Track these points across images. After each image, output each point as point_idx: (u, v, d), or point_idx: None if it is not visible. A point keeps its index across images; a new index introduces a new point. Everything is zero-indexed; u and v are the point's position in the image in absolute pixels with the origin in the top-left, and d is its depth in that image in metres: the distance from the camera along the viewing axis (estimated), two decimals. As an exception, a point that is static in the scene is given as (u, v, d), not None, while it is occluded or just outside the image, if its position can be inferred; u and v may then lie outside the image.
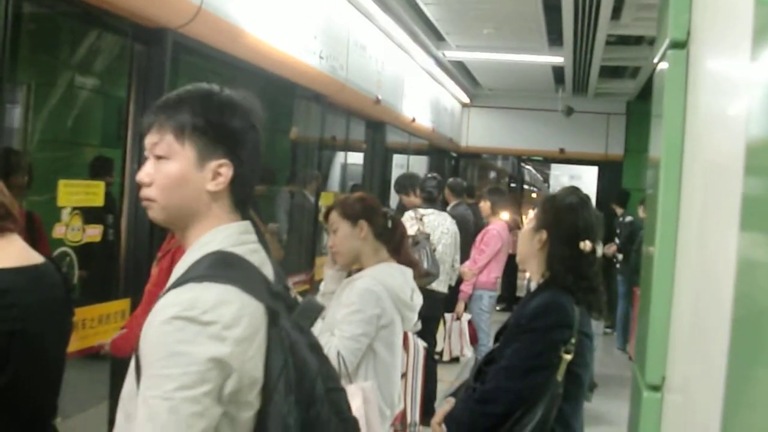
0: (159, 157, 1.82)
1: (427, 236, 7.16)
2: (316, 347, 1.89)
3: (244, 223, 1.88)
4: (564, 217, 3.16)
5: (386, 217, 3.79)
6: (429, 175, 8.71)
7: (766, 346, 1.01)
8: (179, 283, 1.72)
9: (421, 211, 7.47)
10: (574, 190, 3.31)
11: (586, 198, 3.31)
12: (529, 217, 3.32)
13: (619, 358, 11.03)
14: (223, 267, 1.76)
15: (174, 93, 1.89)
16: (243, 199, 1.89)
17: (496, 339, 3.27)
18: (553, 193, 3.44)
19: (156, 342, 1.65)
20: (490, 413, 3.02)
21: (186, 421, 1.59)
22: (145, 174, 1.83)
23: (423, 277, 7.03)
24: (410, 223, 7.09)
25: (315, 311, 1.89)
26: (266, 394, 1.72)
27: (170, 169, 1.81)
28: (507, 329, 3.18)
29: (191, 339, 1.62)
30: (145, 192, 1.84)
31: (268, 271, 1.87)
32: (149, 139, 1.84)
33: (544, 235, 3.16)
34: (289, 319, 1.82)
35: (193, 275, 1.73)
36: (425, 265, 7.03)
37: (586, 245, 3.10)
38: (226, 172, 1.83)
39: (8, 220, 2.42)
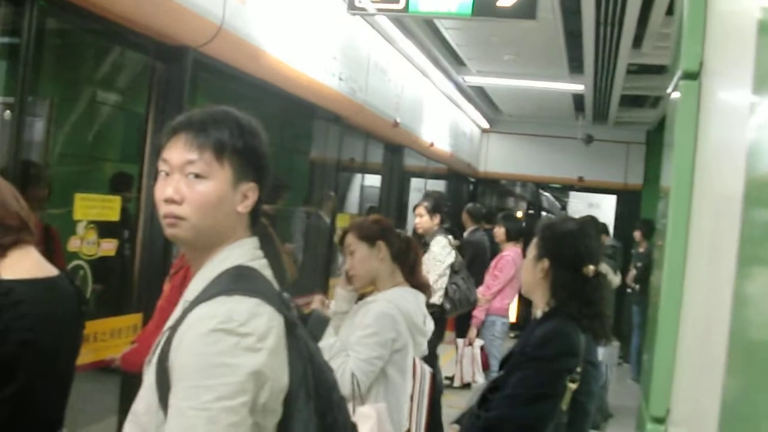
0: (195, 176, 1.81)
1: (463, 264, 7.14)
2: (322, 357, 1.95)
3: (255, 238, 1.92)
4: (564, 244, 3.16)
5: (401, 240, 3.80)
6: (444, 196, 8.66)
7: (757, 381, 1.01)
8: (207, 297, 1.74)
9: (451, 238, 7.39)
10: (570, 217, 3.31)
11: (592, 224, 3.31)
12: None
13: (633, 389, 10.92)
14: (246, 281, 1.80)
15: (202, 112, 1.88)
16: (256, 218, 1.92)
17: (501, 366, 3.26)
18: (551, 221, 3.44)
19: (194, 354, 1.67)
20: None
21: (223, 431, 1.62)
22: (174, 191, 1.81)
23: (468, 305, 7.06)
24: (448, 250, 7.04)
25: (324, 323, 1.94)
26: (289, 402, 1.77)
27: (208, 188, 1.81)
28: (512, 357, 3.17)
29: (229, 351, 1.66)
30: (173, 210, 1.82)
31: (276, 285, 1.90)
32: (181, 156, 1.82)
33: (545, 263, 3.14)
34: (304, 330, 1.88)
35: (221, 289, 1.75)
36: (471, 294, 7.02)
37: (589, 270, 3.09)
38: (253, 195, 1.86)
39: (25, 232, 2.44)
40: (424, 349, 3.78)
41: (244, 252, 1.87)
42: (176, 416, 1.65)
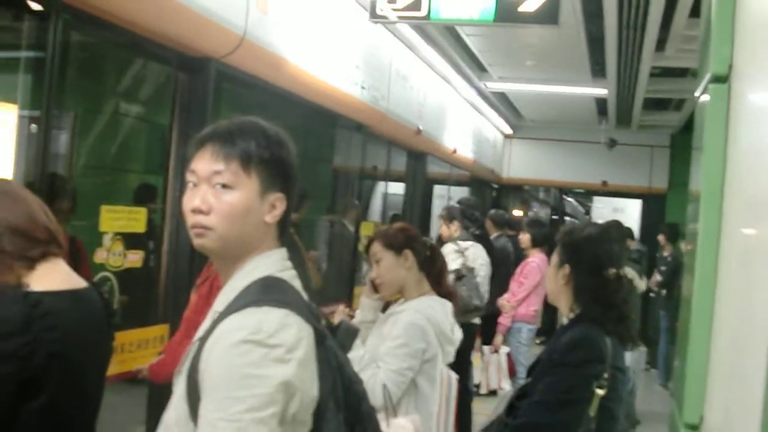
0: (223, 186, 1.82)
1: (472, 269, 7.11)
2: (352, 368, 1.94)
3: (284, 249, 1.92)
4: (584, 249, 3.14)
5: (427, 247, 3.78)
6: (472, 202, 8.65)
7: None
8: (237, 308, 1.74)
9: (462, 244, 7.40)
10: (593, 222, 3.29)
11: (612, 228, 3.28)
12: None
13: (661, 395, 10.85)
14: (275, 292, 1.79)
15: (230, 123, 1.89)
16: (284, 229, 1.91)
17: (529, 373, 3.24)
18: (572, 227, 3.42)
19: (223, 365, 1.67)
20: None
21: None
22: (202, 201, 1.82)
23: (471, 312, 7.02)
24: (453, 257, 7.03)
25: (353, 334, 1.92)
26: (318, 413, 1.76)
27: (235, 198, 1.81)
28: (539, 364, 3.15)
29: (259, 362, 1.65)
30: (200, 220, 1.82)
31: (305, 296, 1.90)
32: (207, 167, 1.83)
33: (567, 269, 3.13)
34: (333, 340, 1.87)
35: (250, 300, 1.75)
36: (473, 300, 6.99)
37: (610, 273, 3.07)
38: (281, 205, 1.86)
39: (53, 245, 2.44)
40: (452, 357, 3.76)
41: (273, 263, 1.87)
42: (206, 427, 1.65)
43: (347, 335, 1.95)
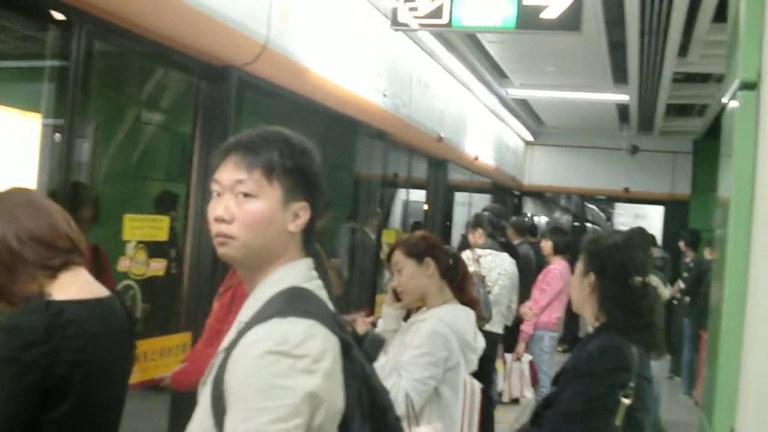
0: (245, 196, 1.82)
1: (482, 278, 7.07)
2: (378, 378, 1.93)
3: (310, 260, 1.91)
4: (609, 257, 3.11)
5: (449, 255, 3.76)
6: (498, 210, 8.63)
7: None
8: (263, 318, 1.73)
9: (479, 251, 7.37)
10: (618, 231, 3.26)
11: (637, 236, 3.26)
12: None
13: (685, 404, 10.77)
14: (300, 302, 1.78)
15: (253, 133, 1.89)
16: (310, 238, 1.91)
17: (554, 382, 3.22)
18: (597, 235, 3.39)
19: (249, 376, 1.66)
20: None
21: None
22: (225, 210, 1.82)
23: (478, 320, 6.99)
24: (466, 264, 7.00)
25: (380, 344, 1.92)
26: (344, 425, 1.75)
27: (258, 207, 1.82)
28: (564, 373, 3.12)
29: (285, 373, 1.64)
30: (223, 229, 1.83)
31: (331, 306, 1.89)
32: (230, 176, 1.83)
33: (591, 278, 3.10)
34: (359, 351, 1.86)
35: (275, 311, 1.74)
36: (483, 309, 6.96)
37: (635, 281, 3.05)
38: (305, 214, 1.85)
39: (75, 254, 2.44)
40: (475, 365, 3.73)
41: (299, 273, 1.86)
42: None
43: (373, 345, 1.95)
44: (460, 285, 3.75)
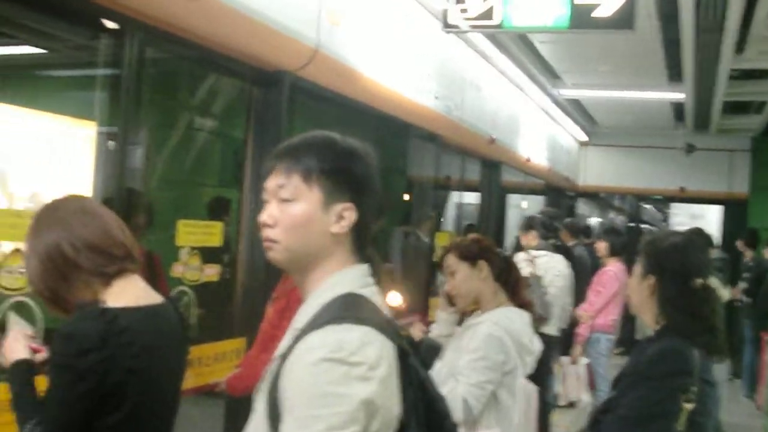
0: (284, 200, 1.84)
1: (539, 279, 7.02)
2: (435, 385, 1.91)
3: (366, 266, 1.90)
4: (669, 259, 3.05)
5: (501, 258, 3.73)
6: (552, 213, 8.58)
7: None
8: (317, 325, 1.72)
9: (534, 252, 7.33)
10: (676, 232, 3.19)
11: (696, 236, 3.18)
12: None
13: (746, 406, 10.58)
14: (356, 308, 1.77)
15: (298, 138, 1.91)
16: (363, 241, 1.90)
17: (614, 386, 3.16)
18: (654, 236, 3.32)
19: (304, 383, 1.65)
20: None
21: None
22: (268, 215, 1.85)
23: (535, 321, 6.95)
24: (522, 265, 6.96)
25: (436, 351, 1.90)
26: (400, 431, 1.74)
27: (296, 210, 1.83)
28: (624, 376, 3.07)
29: (340, 380, 1.63)
30: (267, 233, 1.86)
31: (387, 312, 1.87)
32: (273, 182, 1.86)
33: (651, 280, 3.04)
34: (415, 357, 1.84)
35: (330, 317, 1.73)
36: (538, 309, 6.91)
37: (696, 283, 2.98)
38: (350, 215, 1.84)
39: (129, 261, 2.46)
40: (531, 368, 3.70)
41: (354, 279, 1.85)
42: None
43: (429, 352, 1.93)
44: (514, 288, 3.71)
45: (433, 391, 1.86)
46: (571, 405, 8.71)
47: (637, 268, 3.12)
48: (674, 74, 9.74)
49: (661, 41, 8.25)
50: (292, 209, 1.83)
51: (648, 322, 3.09)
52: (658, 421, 2.84)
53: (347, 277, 1.84)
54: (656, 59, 9.01)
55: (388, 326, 1.79)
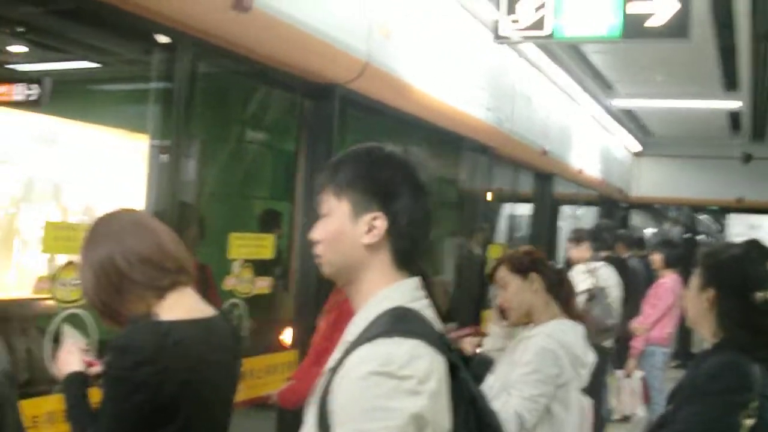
0: (324, 215, 1.87)
1: (603, 289, 6.96)
2: (486, 400, 1.89)
3: (416, 279, 1.88)
4: (729, 271, 2.98)
5: (554, 271, 3.68)
6: (603, 224, 8.51)
7: None
8: (367, 339, 1.71)
9: (592, 264, 7.27)
10: (736, 243, 3.11)
11: (754, 248, 3.10)
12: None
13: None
14: (406, 322, 1.75)
15: (341, 154, 1.92)
16: (405, 251, 1.86)
17: (670, 400, 3.10)
18: (713, 248, 3.25)
19: (353, 397, 1.65)
20: None
21: None
22: (314, 231, 1.88)
23: (605, 332, 6.89)
24: (583, 277, 6.90)
25: (487, 365, 1.88)
26: None
27: (329, 224, 1.85)
28: (681, 390, 3.01)
29: (389, 394, 1.62)
30: (315, 249, 1.89)
31: (438, 326, 1.85)
32: (319, 199, 1.90)
33: (711, 293, 2.96)
34: (467, 372, 1.82)
35: (380, 331, 1.72)
36: (607, 320, 6.86)
37: (758, 297, 2.90)
38: (380, 224, 1.82)
39: (182, 274, 2.47)
40: (585, 381, 3.65)
41: (404, 292, 1.83)
42: None
43: (481, 366, 1.91)
44: (567, 300, 3.66)
45: (484, 406, 1.83)
46: (626, 419, 8.62)
47: (695, 281, 3.05)
48: (730, 83, 9.61)
49: (716, 49, 8.13)
50: (327, 224, 1.86)
51: (705, 335, 3.02)
52: (714, 437, 2.78)
53: (397, 291, 1.83)
54: (711, 68, 8.89)
55: (439, 340, 1.78)
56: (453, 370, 1.76)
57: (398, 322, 1.74)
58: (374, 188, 1.83)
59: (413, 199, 1.84)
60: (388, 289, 1.83)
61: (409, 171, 1.86)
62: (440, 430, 1.69)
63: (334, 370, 1.72)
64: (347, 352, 1.72)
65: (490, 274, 3.75)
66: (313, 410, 1.76)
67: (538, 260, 3.65)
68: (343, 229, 1.84)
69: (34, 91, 3.91)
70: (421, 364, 1.66)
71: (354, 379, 1.64)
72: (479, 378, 1.91)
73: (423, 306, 1.84)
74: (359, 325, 1.79)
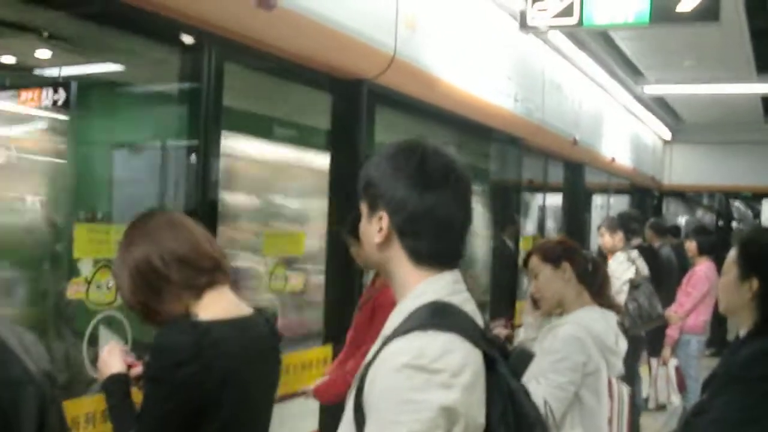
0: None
1: (647, 278, 6.92)
2: (528, 394, 1.87)
3: (456, 272, 1.88)
4: None
5: (587, 260, 3.66)
6: (632, 214, 8.47)
7: None
8: (402, 332, 1.72)
9: (633, 253, 7.22)
10: None
11: None
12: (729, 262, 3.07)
13: None
14: (442, 316, 1.76)
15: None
16: (416, 248, 1.85)
17: (705, 388, 3.07)
18: (751, 235, 3.18)
19: (385, 389, 1.66)
20: None
21: None
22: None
23: (652, 321, 6.86)
24: (626, 266, 6.88)
25: (528, 359, 1.87)
26: None
27: (361, 225, 1.92)
28: (716, 378, 2.97)
29: (421, 387, 1.63)
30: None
31: (479, 319, 1.86)
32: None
33: (755, 283, 2.91)
34: (505, 366, 1.81)
35: (416, 324, 1.73)
36: (656, 308, 6.83)
37: None
38: (384, 223, 1.84)
39: (219, 273, 2.48)
40: (620, 369, 3.62)
41: (443, 287, 1.83)
42: None
43: (521, 359, 1.90)
44: (600, 290, 3.64)
45: (522, 399, 1.81)
46: (662, 408, 8.57)
47: (733, 268, 3.00)
48: (763, 66, 9.50)
49: (749, 32, 8.03)
50: (361, 225, 1.92)
51: (742, 323, 2.98)
52: (752, 426, 2.74)
53: (435, 285, 1.83)
54: (744, 51, 8.78)
55: (478, 334, 1.78)
56: (490, 364, 1.75)
57: (435, 316, 1.75)
58: (375, 188, 1.86)
59: (417, 195, 1.82)
60: (425, 283, 1.83)
61: (413, 166, 1.84)
62: (474, 424, 1.69)
63: (369, 362, 1.74)
64: (383, 345, 1.74)
65: (524, 263, 3.74)
66: (350, 402, 1.78)
67: (570, 249, 3.64)
68: (365, 229, 1.89)
69: (61, 95, 3.95)
70: (454, 357, 1.67)
71: (387, 372, 1.66)
72: (519, 372, 1.89)
73: (463, 300, 1.84)
74: (396, 318, 1.81)
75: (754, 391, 2.77)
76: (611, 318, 3.59)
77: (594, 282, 3.62)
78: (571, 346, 3.38)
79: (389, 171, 1.84)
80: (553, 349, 3.39)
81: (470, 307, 1.85)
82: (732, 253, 3.00)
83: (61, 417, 1.90)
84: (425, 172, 1.82)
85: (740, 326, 3.01)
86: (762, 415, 2.74)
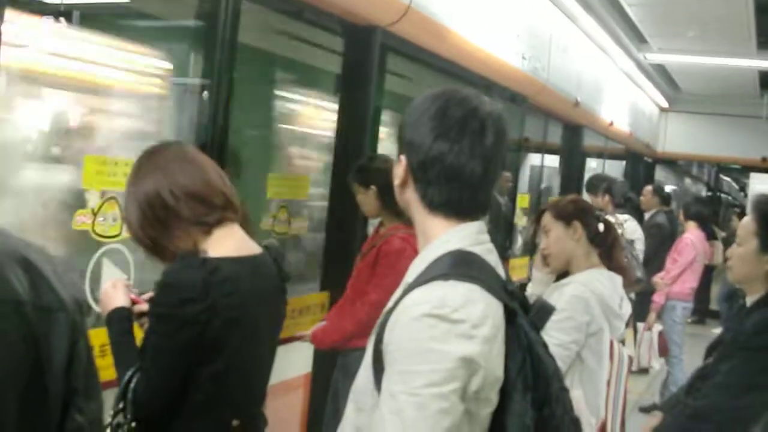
0: None
1: (632, 242, 6.96)
2: (546, 347, 1.87)
3: (479, 223, 1.87)
4: None
5: (599, 221, 3.67)
6: (621, 181, 8.51)
7: None
8: (424, 280, 1.72)
9: (620, 216, 7.26)
10: None
11: None
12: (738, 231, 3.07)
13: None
14: (464, 266, 1.75)
15: None
16: (429, 196, 1.84)
17: (709, 354, 3.11)
18: (764, 202, 3.16)
19: (405, 338, 1.66)
20: (702, 431, 2.88)
21: (433, 417, 1.59)
22: None
23: (633, 285, 6.91)
24: None
25: (548, 312, 1.88)
26: (505, 392, 1.72)
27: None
28: (721, 345, 3.02)
29: (441, 337, 1.63)
30: None
31: (501, 271, 1.85)
32: None
33: None
34: (526, 318, 1.81)
35: (437, 273, 1.72)
36: (635, 271, 6.87)
37: None
38: (400, 169, 1.87)
39: (229, 210, 2.46)
40: (622, 332, 3.65)
41: (466, 236, 1.83)
42: (387, 399, 1.64)
43: (541, 313, 1.91)
44: (610, 252, 3.65)
45: (541, 353, 1.81)
46: (643, 371, 8.68)
47: (752, 240, 3.00)
48: (764, 42, 9.48)
49: (754, 6, 8.01)
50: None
51: (753, 292, 3.01)
52: (757, 392, 2.80)
53: (459, 234, 1.82)
54: (747, 26, 8.77)
55: (499, 285, 1.78)
56: (510, 316, 1.75)
57: (457, 266, 1.75)
58: (403, 130, 1.87)
59: (430, 142, 1.80)
60: (448, 233, 1.82)
61: (433, 113, 1.82)
62: (492, 376, 1.69)
63: (391, 310, 1.74)
64: (405, 293, 1.73)
65: (536, 220, 3.75)
66: (369, 349, 1.78)
67: (582, 209, 3.64)
68: (395, 172, 1.89)
69: (62, 24, 3.89)
70: (475, 308, 1.67)
71: (408, 321, 1.66)
72: (538, 325, 1.90)
73: (486, 250, 1.84)
74: (418, 267, 1.80)
75: (759, 359, 2.82)
76: (618, 281, 3.61)
77: (604, 244, 3.63)
78: (575, 306, 3.40)
79: (415, 116, 1.84)
80: (559, 308, 3.42)
81: (493, 258, 1.84)
82: (747, 224, 3.01)
83: (88, 349, 1.92)
84: (443, 119, 1.80)
85: (749, 295, 3.04)
86: (764, 383, 2.79)
